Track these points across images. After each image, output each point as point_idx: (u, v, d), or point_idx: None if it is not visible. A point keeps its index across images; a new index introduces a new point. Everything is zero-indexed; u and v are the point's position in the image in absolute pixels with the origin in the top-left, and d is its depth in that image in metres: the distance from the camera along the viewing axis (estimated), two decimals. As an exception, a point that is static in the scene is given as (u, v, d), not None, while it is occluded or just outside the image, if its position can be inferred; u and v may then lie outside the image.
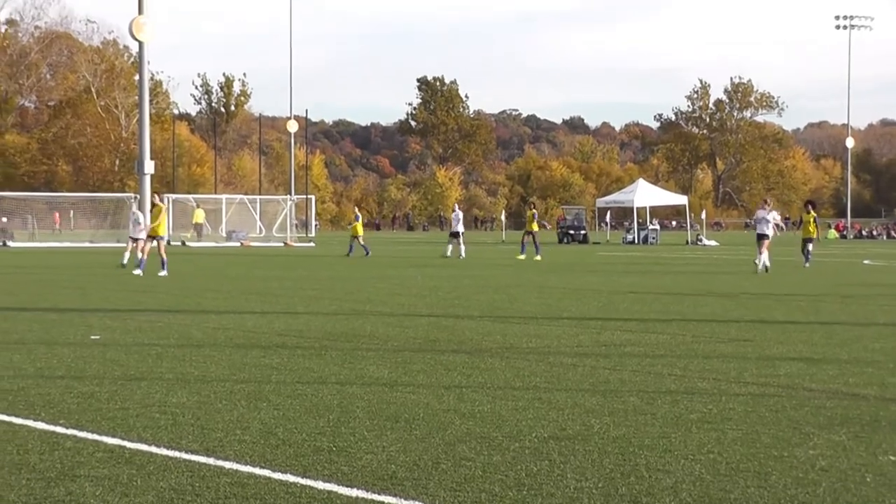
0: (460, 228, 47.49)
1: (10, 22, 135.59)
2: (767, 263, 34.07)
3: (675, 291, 26.73)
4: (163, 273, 30.76)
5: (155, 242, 32.13)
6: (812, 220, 38.25)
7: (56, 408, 10.11)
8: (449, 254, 47.07)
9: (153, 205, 33.78)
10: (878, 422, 9.67)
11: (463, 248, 46.82)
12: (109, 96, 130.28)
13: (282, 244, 69.60)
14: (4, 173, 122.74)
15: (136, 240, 33.59)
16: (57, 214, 72.36)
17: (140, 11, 62.28)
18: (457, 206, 51.56)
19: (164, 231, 33.07)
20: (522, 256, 45.27)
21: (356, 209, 54.01)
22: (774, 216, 35.73)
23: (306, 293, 25.69)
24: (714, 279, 31.15)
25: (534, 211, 48.87)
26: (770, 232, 34.54)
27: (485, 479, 7.58)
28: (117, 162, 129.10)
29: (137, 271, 30.91)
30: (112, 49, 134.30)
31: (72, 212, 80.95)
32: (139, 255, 31.89)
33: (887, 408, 10.42)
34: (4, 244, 65.86)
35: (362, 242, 49.25)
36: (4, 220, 71.75)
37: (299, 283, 29.46)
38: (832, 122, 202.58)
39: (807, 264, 37.38)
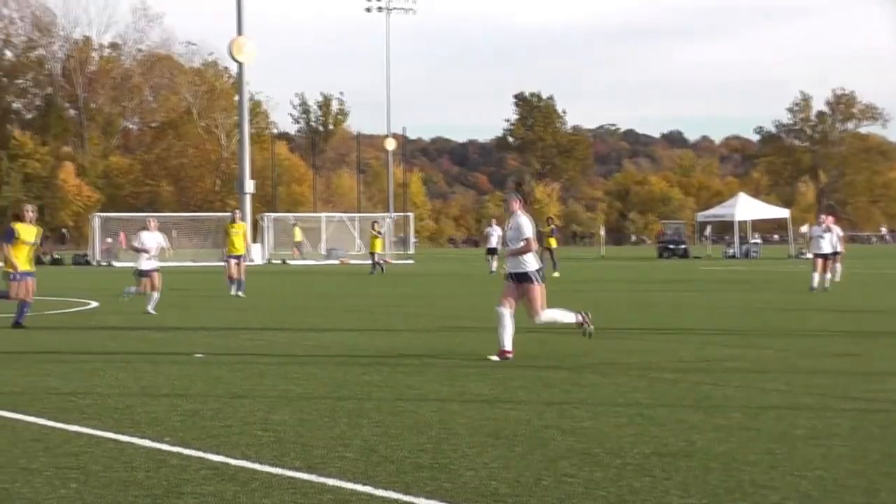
0: (497, 244, 46.93)
1: (114, 45, 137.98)
2: (826, 285, 31.86)
3: (778, 306, 26.41)
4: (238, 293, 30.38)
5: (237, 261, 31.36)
6: None
7: (161, 425, 10.22)
8: (494, 269, 46.30)
9: (233, 223, 32.40)
10: None
11: (494, 264, 46.31)
12: (210, 117, 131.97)
13: (381, 262, 69.88)
14: (109, 194, 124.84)
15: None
16: (122, 234, 73.28)
17: (239, 32, 63.01)
18: (493, 222, 50.57)
19: (243, 250, 32.05)
20: (556, 274, 44.25)
21: (374, 224, 53.83)
22: (837, 232, 33.69)
23: (406, 310, 25.77)
24: (817, 293, 30.73)
25: (552, 227, 48.18)
26: (828, 250, 32.37)
27: (587, 495, 7.53)
28: (218, 182, 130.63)
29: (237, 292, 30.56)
30: (212, 70, 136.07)
31: (174, 231, 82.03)
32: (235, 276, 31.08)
33: None
34: (110, 264, 66.89)
35: (377, 259, 48.67)
36: (109, 240, 72.84)
37: (398, 300, 29.56)
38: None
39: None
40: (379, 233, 50.85)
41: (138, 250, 24.81)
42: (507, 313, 15.50)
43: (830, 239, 32.72)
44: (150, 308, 23.84)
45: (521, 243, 15.49)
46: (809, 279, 32.28)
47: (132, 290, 24.95)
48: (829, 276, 32.03)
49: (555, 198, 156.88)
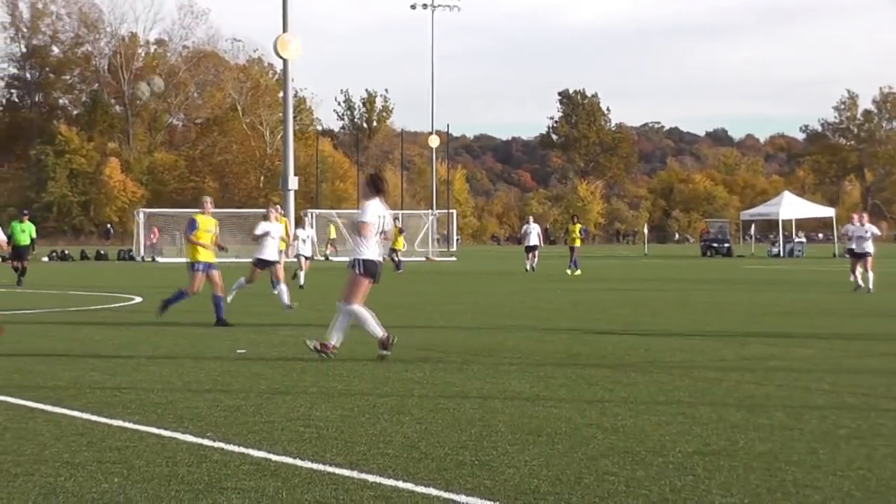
0: (536, 241, 46.67)
1: (160, 42, 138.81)
2: (869, 285, 30.91)
3: (822, 305, 26.27)
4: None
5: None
6: None
7: (203, 420, 10.27)
8: (529, 268, 45.98)
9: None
10: None
11: (535, 261, 45.97)
12: (255, 113, 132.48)
13: (423, 259, 69.96)
14: (153, 190, 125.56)
15: (307, 258, 33.58)
16: (156, 230, 73.43)
17: (285, 29, 63.19)
18: (531, 219, 49.79)
19: (283, 247, 31.62)
20: (579, 272, 43.92)
21: (394, 220, 53.62)
22: (873, 230, 32.19)
23: (448, 307, 25.78)
24: (860, 293, 30.52)
25: (579, 224, 47.59)
26: (870, 249, 31.43)
27: (628, 494, 7.52)
28: (262, 178, 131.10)
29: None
30: (257, 67, 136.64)
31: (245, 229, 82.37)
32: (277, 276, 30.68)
33: None
34: (154, 259, 67.29)
35: (398, 258, 48.35)
36: (153, 236, 73.27)
37: (441, 298, 29.59)
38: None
39: None
40: (401, 229, 50.85)
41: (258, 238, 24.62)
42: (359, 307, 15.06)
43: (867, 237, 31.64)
44: (286, 301, 23.70)
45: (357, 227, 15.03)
46: (853, 279, 31.81)
47: (242, 283, 24.70)
48: (870, 274, 31.07)
49: (598, 196, 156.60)
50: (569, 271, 43.96)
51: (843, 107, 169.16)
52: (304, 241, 34.59)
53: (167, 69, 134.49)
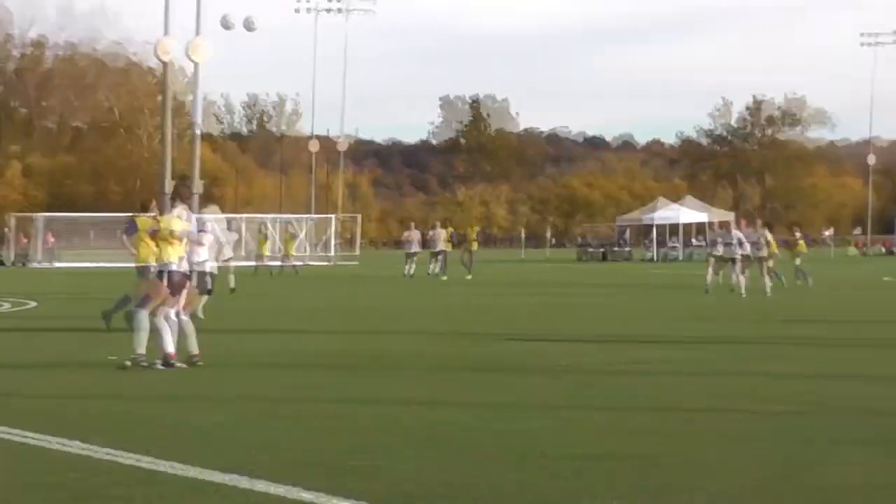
0: (416, 248, 46.83)
1: (37, 44, 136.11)
2: (741, 289, 31.05)
3: (695, 309, 26.65)
4: None
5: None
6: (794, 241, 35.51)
7: (92, 427, 10.13)
8: (436, 271, 45.72)
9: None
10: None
11: (413, 267, 46.08)
12: (134, 118, 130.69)
13: (326, 263, 69.74)
14: (29, 196, 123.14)
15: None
16: (49, 234, 72.29)
17: (197, 32, 62.51)
18: (438, 225, 49.84)
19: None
20: (469, 276, 43.97)
21: (288, 226, 53.74)
22: (739, 237, 32.15)
23: (347, 312, 25.74)
24: (754, 296, 30.88)
25: (476, 228, 48.11)
26: (739, 253, 31.52)
27: (519, 497, 7.62)
28: (139, 182, 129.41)
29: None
30: (137, 71, 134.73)
31: (91, 232, 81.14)
32: None
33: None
34: (24, 264, 65.68)
35: (291, 262, 49.15)
36: (25, 241, 71.87)
37: (341, 302, 29.55)
38: (854, 139, 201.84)
39: (808, 281, 35.54)
40: (293, 235, 50.72)
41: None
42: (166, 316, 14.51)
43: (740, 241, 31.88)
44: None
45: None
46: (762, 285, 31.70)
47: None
48: (742, 279, 31.30)
49: (477, 200, 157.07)
50: (470, 276, 44.15)
51: (717, 113, 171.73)
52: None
53: (44, 71, 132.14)
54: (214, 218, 15.30)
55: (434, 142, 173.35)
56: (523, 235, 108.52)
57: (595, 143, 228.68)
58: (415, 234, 47.23)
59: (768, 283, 31.58)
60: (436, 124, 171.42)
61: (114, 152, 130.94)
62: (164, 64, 60.63)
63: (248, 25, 19.39)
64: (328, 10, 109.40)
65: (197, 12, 59.72)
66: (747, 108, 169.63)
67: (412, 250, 46.82)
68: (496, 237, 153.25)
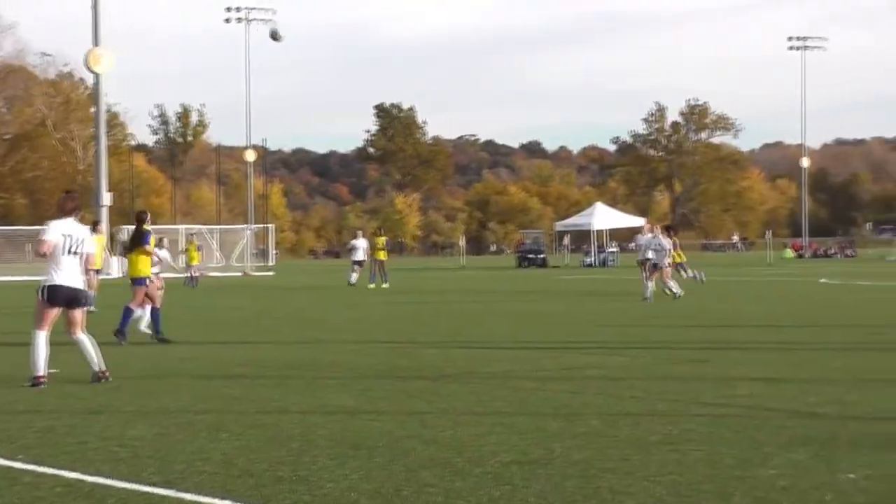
0: (362, 256, 46.58)
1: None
2: (648, 293, 31.46)
3: (634, 313, 26.81)
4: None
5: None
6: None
7: (14, 443, 10.03)
8: (353, 281, 45.18)
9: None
10: (837, 440, 9.72)
11: (355, 276, 45.47)
12: (66, 129, 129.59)
13: (240, 274, 69.36)
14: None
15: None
16: None
17: (96, 43, 62.06)
18: (359, 234, 49.46)
19: (101, 263, 30.69)
20: (372, 285, 43.41)
21: (192, 237, 53.49)
22: (659, 243, 32.46)
23: (266, 322, 25.63)
24: (672, 301, 31.23)
25: (384, 237, 47.58)
26: (653, 257, 31.82)
27: (447, 505, 7.58)
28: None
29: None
30: (68, 82, 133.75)
31: (28, 245, 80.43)
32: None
33: (846, 426, 10.47)
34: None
35: (195, 273, 48.56)
36: None
37: (259, 313, 29.39)
38: (787, 142, 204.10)
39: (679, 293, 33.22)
40: (199, 247, 50.45)
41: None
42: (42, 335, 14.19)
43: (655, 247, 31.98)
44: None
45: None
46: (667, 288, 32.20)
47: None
48: (651, 284, 31.46)
49: (415, 208, 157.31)
50: (372, 285, 43.56)
51: (652, 118, 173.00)
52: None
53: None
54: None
55: (371, 150, 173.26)
56: (463, 242, 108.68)
57: (530, 149, 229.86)
58: (361, 242, 46.83)
59: (651, 287, 31.71)
60: (371, 132, 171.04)
61: (48, 164, 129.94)
62: (96, 75, 60.20)
63: (274, 35, 19.28)
64: (228, 21, 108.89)
65: (94, 22, 59.30)
66: (681, 114, 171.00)
67: (358, 258, 46.33)
68: (437, 244, 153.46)
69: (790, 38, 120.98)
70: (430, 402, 12.25)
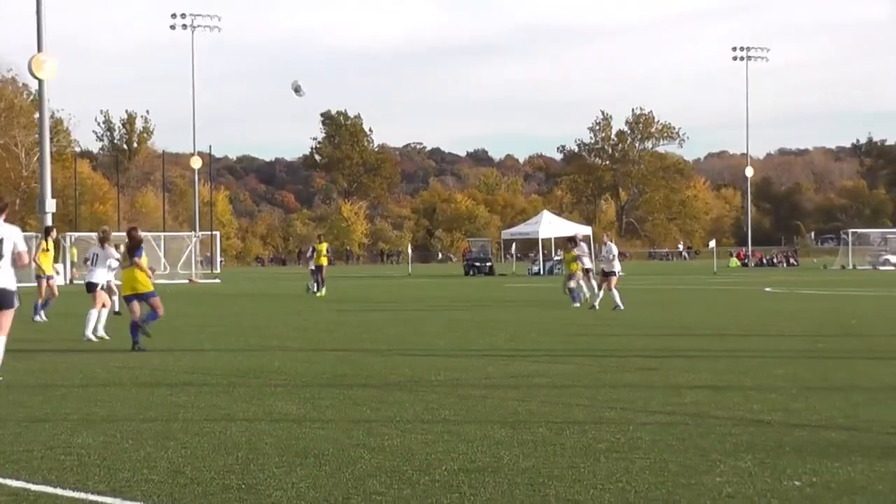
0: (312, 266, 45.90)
1: None
2: (596, 302, 31.77)
3: (581, 321, 26.90)
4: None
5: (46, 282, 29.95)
6: (572, 257, 34.78)
7: (-42, 451, 9.94)
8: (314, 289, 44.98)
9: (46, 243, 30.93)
10: (782, 447, 9.80)
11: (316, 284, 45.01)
12: (9, 135, 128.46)
13: (186, 281, 68.99)
14: None
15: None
16: None
17: (39, 49, 61.59)
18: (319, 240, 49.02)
19: (51, 270, 30.60)
20: (321, 293, 43.22)
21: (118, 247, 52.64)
22: (583, 249, 34.75)
23: (213, 330, 25.50)
24: (620, 310, 31.34)
25: (326, 244, 46.91)
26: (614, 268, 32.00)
27: (396, 513, 7.58)
28: (18, 201, 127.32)
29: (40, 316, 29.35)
30: (11, 87, 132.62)
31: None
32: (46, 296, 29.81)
33: (791, 433, 10.57)
34: None
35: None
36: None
37: (205, 320, 29.26)
38: (732, 151, 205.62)
39: (575, 304, 33.34)
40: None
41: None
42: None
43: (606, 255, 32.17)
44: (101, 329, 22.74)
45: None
46: (612, 298, 31.95)
47: None
48: (615, 292, 31.26)
49: (362, 216, 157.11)
50: (317, 292, 43.29)
51: (597, 127, 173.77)
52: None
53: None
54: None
55: (317, 157, 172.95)
56: (410, 250, 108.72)
57: (477, 157, 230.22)
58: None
59: (601, 295, 31.81)
60: (318, 139, 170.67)
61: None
62: (40, 81, 59.75)
63: (297, 89, 19.32)
64: (174, 27, 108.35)
65: (38, 27, 58.87)
66: (626, 123, 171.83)
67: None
68: (384, 252, 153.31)
69: (734, 49, 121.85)
70: (377, 410, 12.25)
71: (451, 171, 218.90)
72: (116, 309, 28.98)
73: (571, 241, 36.08)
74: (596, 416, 11.73)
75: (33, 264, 28.76)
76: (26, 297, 24.01)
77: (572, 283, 33.80)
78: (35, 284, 30.11)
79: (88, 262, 24.08)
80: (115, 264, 23.23)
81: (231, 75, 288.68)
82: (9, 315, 14.05)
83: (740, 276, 69.92)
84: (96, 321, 22.56)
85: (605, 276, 32.02)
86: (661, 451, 9.67)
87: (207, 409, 12.39)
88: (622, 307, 30.65)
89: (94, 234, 69.09)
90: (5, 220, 14.50)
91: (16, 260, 14.16)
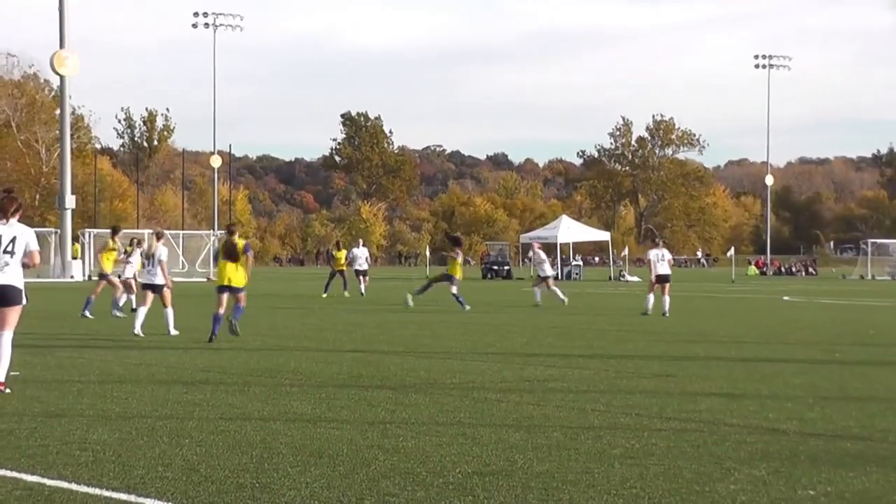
0: (364, 266, 45.70)
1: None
2: (665, 309, 31.44)
3: (598, 327, 26.88)
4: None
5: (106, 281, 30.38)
6: (456, 261, 35.55)
7: (-26, 445, 9.97)
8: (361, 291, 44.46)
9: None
10: (797, 456, 9.78)
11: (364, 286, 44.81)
12: (30, 130, 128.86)
13: (205, 279, 69.11)
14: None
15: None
16: None
17: (62, 45, 61.77)
18: (361, 242, 48.86)
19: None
20: (347, 294, 43.25)
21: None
22: (541, 256, 40.22)
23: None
24: (636, 315, 31.33)
25: (344, 251, 46.34)
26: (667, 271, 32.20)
27: (409, 515, 7.58)
28: (38, 197, 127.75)
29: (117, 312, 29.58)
30: (33, 83, 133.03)
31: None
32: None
33: (806, 442, 10.54)
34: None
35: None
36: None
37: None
38: (752, 159, 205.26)
39: (465, 308, 33.46)
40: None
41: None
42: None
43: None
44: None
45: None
46: (645, 301, 32.01)
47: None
48: (667, 299, 31.64)
49: (381, 217, 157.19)
50: (346, 293, 43.31)
51: (618, 133, 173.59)
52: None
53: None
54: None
55: (337, 158, 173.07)
56: (428, 252, 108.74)
57: (497, 161, 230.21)
58: (362, 251, 46.03)
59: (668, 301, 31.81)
60: (338, 140, 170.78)
61: (11, 165, 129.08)
62: (61, 77, 59.91)
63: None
64: (196, 26, 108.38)
65: (60, 24, 59.03)
66: (647, 129, 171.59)
67: (362, 267, 45.38)
68: (402, 254, 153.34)
69: (756, 57, 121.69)
70: (393, 411, 12.25)
71: (471, 175, 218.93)
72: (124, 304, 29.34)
73: (456, 243, 38.06)
74: (611, 421, 11.72)
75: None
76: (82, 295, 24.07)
77: (454, 289, 35.01)
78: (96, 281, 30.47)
79: (145, 262, 24.41)
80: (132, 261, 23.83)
81: (252, 74, 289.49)
82: (15, 311, 14.04)
83: (758, 284, 69.77)
84: (139, 319, 22.96)
85: (541, 279, 37.98)
86: (675, 457, 9.66)
87: (223, 408, 12.41)
88: (565, 300, 36.24)
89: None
90: (19, 220, 14.54)
91: (28, 259, 14.18)
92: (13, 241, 13.92)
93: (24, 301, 14.18)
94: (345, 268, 44.89)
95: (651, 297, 31.84)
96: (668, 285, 31.93)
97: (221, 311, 21.80)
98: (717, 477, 8.85)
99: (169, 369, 16.47)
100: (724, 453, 9.88)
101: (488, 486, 8.42)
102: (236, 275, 22.29)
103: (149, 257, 24.04)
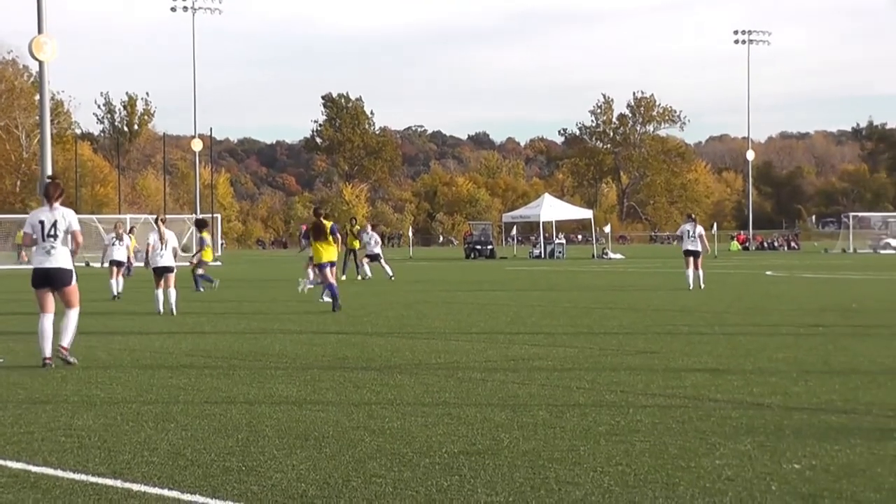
0: (378, 250, 45.00)
1: None
2: (701, 283, 32.45)
3: (582, 305, 26.92)
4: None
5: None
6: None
7: (-41, 433, 9.95)
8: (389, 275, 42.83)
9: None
10: (781, 430, 9.81)
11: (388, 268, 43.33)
12: (9, 116, 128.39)
13: (187, 263, 68.96)
14: None
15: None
16: None
17: (40, 31, 61.46)
18: (369, 227, 47.88)
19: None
20: (360, 277, 42.60)
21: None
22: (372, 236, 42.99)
23: (213, 312, 25.51)
24: (619, 292, 31.41)
25: (357, 228, 45.70)
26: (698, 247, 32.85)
27: (395, 495, 7.59)
28: (18, 183, 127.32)
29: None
30: (12, 69, 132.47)
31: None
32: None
33: (791, 416, 10.58)
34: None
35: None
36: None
37: (206, 303, 29.26)
38: (733, 135, 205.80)
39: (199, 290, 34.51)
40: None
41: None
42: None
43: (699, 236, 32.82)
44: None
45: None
46: (685, 278, 32.58)
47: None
48: (700, 273, 32.53)
49: (363, 199, 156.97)
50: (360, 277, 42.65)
51: (599, 111, 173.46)
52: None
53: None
54: None
55: (318, 140, 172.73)
56: (411, 233, 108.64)
57: (478, 140, 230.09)
58: (373, 235, 44.85)
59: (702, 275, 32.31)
60: (319, 122, 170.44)
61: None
62: (40, 63, 59.67)
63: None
64: (174, 9, 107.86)
65: (38, 9, 58.76)
66: (628, 106, 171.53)
67: (375, 251, 44.42)
68: (385, 234, 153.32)
69: (736, 32, 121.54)
70: (378, 392, 12.26)
71: (453, 155, 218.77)
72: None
73: (200, 226, 39.87)
74: (596, 398, 11.74)
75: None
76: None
77: (200, 270, 36.62)
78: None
79: (157, 246, 25.12)
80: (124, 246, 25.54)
81: (232, 57, 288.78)
82: (71, 291, 14.94)
83: (741, 259, 69.91)
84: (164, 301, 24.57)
85: (371, 259, 41.21)
86: (660, 433, 9.68)
87: (208, 392, 12.40)
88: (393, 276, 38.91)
89: (94, 217, 68.70)
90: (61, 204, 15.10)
91: (70, 240, 14.74)
92: (55, 224, 14.57)
93: (74, 282, 14.76)
94: (356, 247, 43.89)
95: (689, 273, 32.60)
96: (699, 260, 32.88)
97: (334, 281, 25.21)
98: (702, 452, 8.88)
99: (153, 354, 16.47)
100: (709, 428, 9.91)
101: (474, 466, 8.43)
102: (329, 251, 25.37)
103: (162, 241, 24.88)
